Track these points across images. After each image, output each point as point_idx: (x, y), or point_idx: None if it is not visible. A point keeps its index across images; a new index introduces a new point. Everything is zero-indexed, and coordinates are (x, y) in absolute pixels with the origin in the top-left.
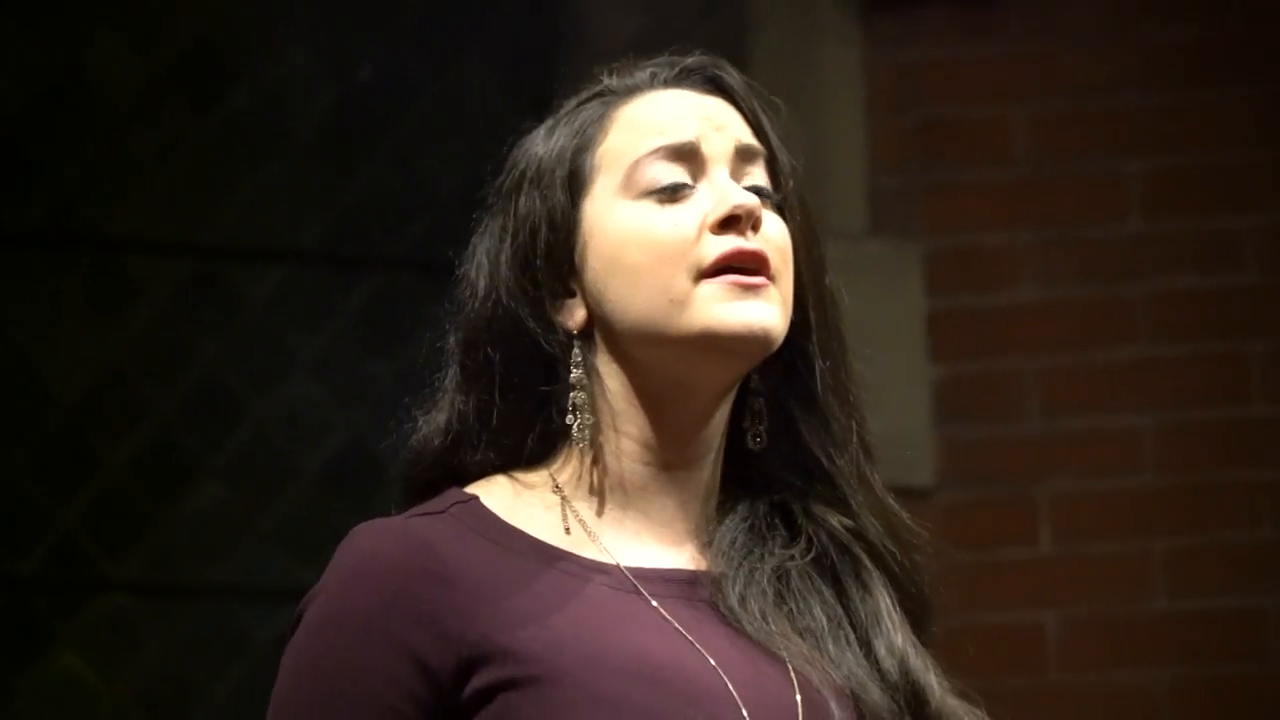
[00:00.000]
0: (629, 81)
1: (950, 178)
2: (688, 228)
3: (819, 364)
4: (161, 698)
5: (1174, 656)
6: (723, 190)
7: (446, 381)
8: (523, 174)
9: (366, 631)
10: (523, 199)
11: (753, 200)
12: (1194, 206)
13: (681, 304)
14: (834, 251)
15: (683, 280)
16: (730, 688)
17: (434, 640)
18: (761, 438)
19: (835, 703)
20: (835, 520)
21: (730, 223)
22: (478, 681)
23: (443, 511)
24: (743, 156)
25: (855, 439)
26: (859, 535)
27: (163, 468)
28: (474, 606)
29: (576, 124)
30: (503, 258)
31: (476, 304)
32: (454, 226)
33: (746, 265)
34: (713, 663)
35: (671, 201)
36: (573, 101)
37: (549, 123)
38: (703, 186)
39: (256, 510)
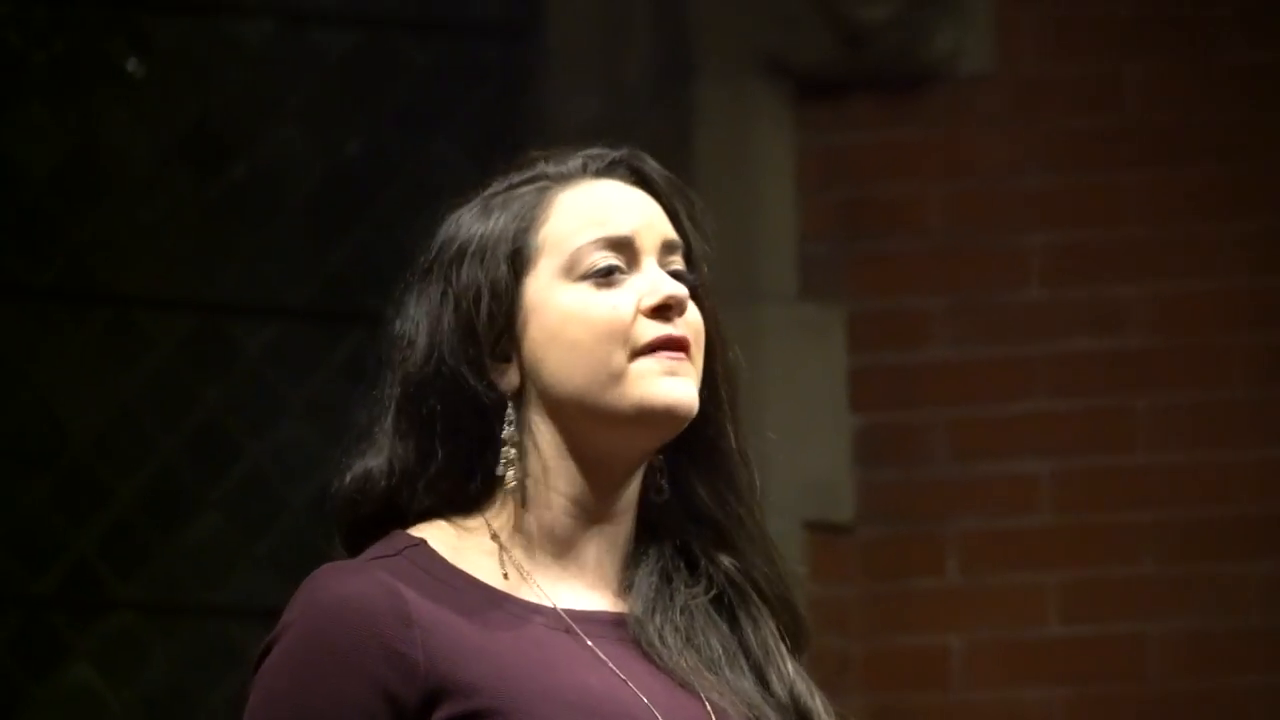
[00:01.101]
0: (564, 169)
1: (872, 248)
2: (624, 310)
3: (722, 428)
4: (164, 706)
5: (1066, 677)
6: (654, 280)
7: (384, 426)
8: (463, 247)
9: (339, 665)
10: (465, 269)
11: (682, 291)
12: (1088, 276)
13: (618, 378)
14: (767, 313)
15: (619, 357)
16: (656, 716)
17: (400, 675)
18: (664, 491)
19: None
20: (728, 562)
21: (661, 310)
22: (441, 714)
23: (396, 555)
24: (667, 248)
25: (746, 492)
26: (748, 575)
27: (167, 500)
28: (434, 643)
29: (516, 206)
30: (444, 321)
31: (418, 360)
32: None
33: (675, 347)
34: (644, 698)
35: (608, 286)
36: (503, 183)
37: (480, 201)
38: (635, 275)
39: (251, 539)
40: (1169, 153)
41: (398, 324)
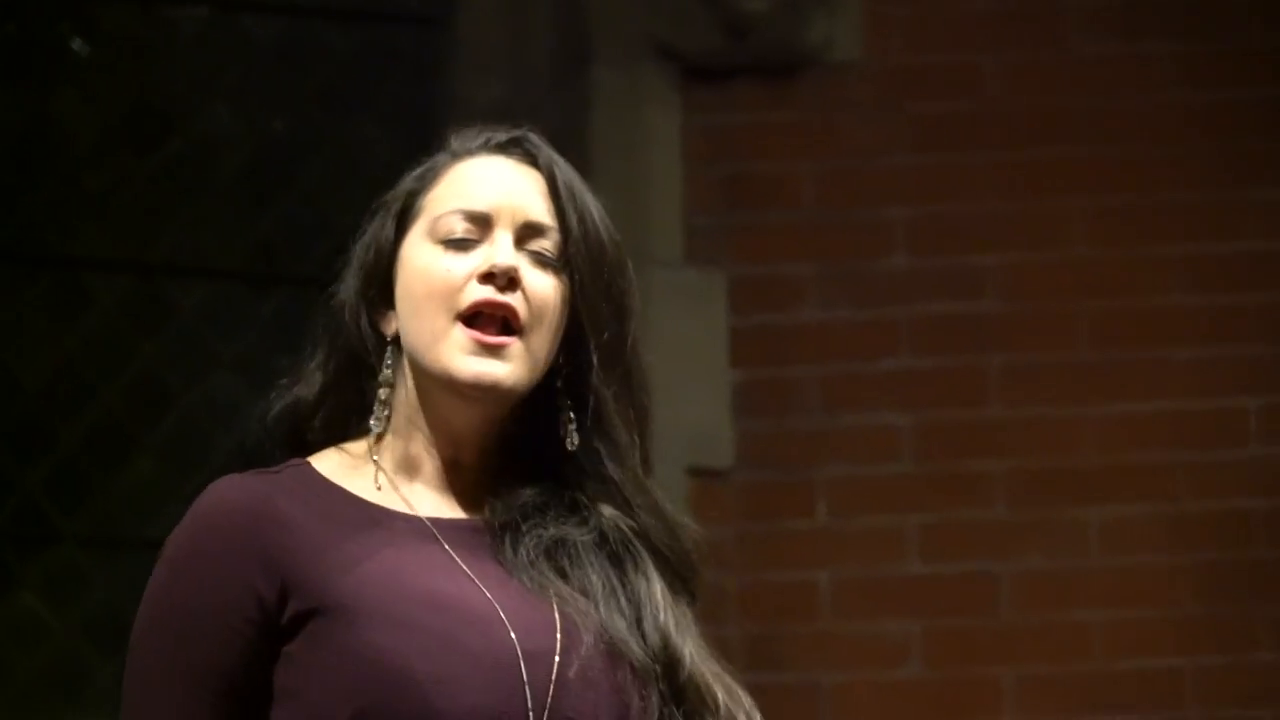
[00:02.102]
0: (467, 144)
1: (751, 219)
2: (458, 275)
3: (604, 394)
4: (103, 631)
5: (923, 610)
6: (492, 250)
7: (309, 365)
8: (383, 201)
9: (209, 562)
10: (373, 223)
11: (509, 262)
12: (946, 246)
13: (438, 340)
14: (655, 277)
15: (443, 319)
16: (501, 614)
17: (263, 572)
18: (573, 441)
19: (590, 636)
20: (611, 512)
21: (489, 277)
22: (297, 607)
23: (278, 471)
24: (530, 228)
25: (637, 454)
26: (639, 533)
27: (107, 444)
28: (299, 547)
29: (421, 170)
30: (354, 263)
31: (337, 300)
32: (349, 253)
33: (495, 314)
34: (489, 596)
35: (456, 251)
36: (436, 150)
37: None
38: (484, 246)
39: (182, 480)
40: (1021, 136)
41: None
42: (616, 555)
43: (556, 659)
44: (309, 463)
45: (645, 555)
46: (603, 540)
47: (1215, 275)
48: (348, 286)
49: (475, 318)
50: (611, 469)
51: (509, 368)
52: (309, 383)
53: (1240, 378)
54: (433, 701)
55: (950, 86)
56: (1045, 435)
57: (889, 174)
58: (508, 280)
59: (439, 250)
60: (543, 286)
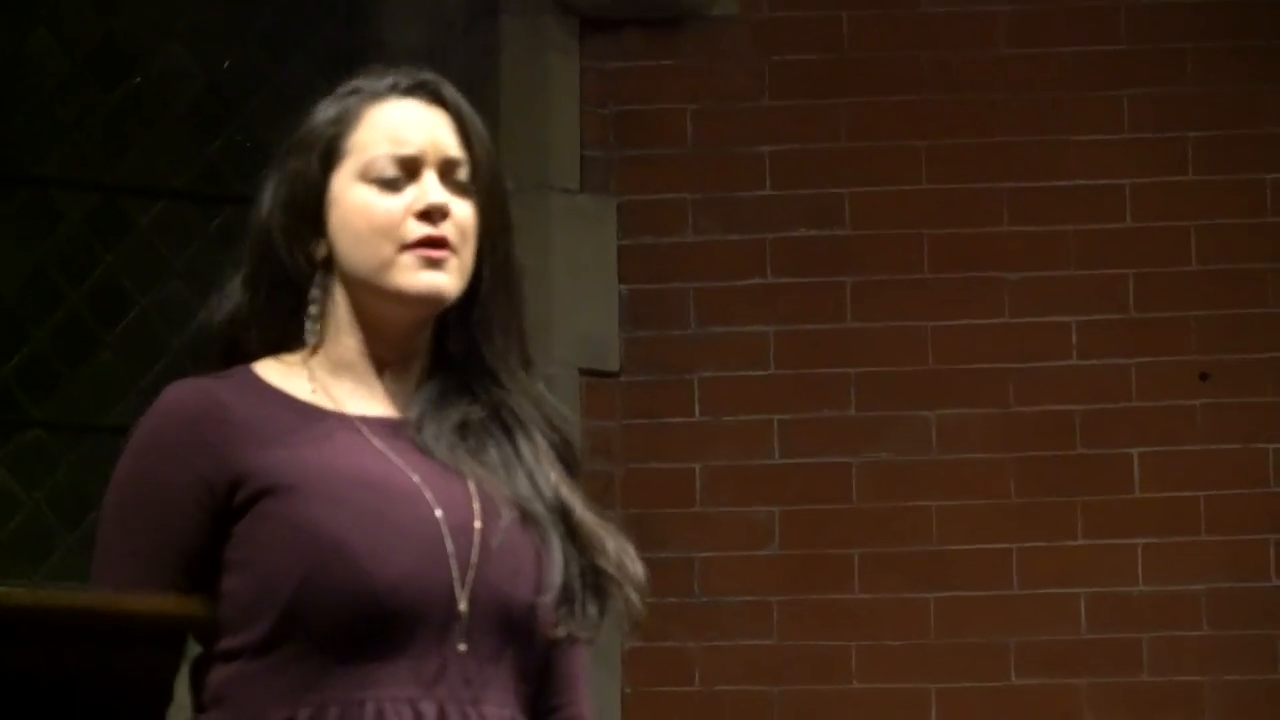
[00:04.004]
0: (377, 86)
1: (638, 153)
2: (396, 212)
3: (495, 302)
4: (66, 505)
5: (785, 497)
6: (424, 190)
7: (237, 281)
8: (299, 140)
9: (165, 455)
10: (292, 159)
11: (441, 200)
12: (807, 180)
13: (387, 265)
14: (554, 203)
15: (389, 249)
16: (425, 492)
17: (213, 462)
18: (458, 342)
19: (503, 507)
20: (502, 397)
21: (425, 214)
22: (244, 492)
23: (226, 376)
24: (448, 164)
25: (518, 348)
26: (521, 410)
27: (73, 341)
28: (243, 439)
29: (334, 112)
30: (276, 200)
31: (258, 229)
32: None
33: (434, 243)
34: (414, 478)
35: (389, 190)
36: (342, 90)
37: (324, 103)
38: (413, 185)
39: (138, 373)
40: (873, 84)
41: (256, 199)
42: (508, 428)
43: (477, 531)
44: (251, 369)
45: (532, 432)
46: (495, 416)
47: (1040, 208)
48: (272, 218)
49: (415, 248)
50: (498, 362)
51: (449, 279)
52: (241, 301)
53: (1061, 298)
54: (368, 569)
55: (813, 39)
56: (891, 345)
57: (758, 115)
58: (440, 214)
59: (374, 190)
60: (464, 212)
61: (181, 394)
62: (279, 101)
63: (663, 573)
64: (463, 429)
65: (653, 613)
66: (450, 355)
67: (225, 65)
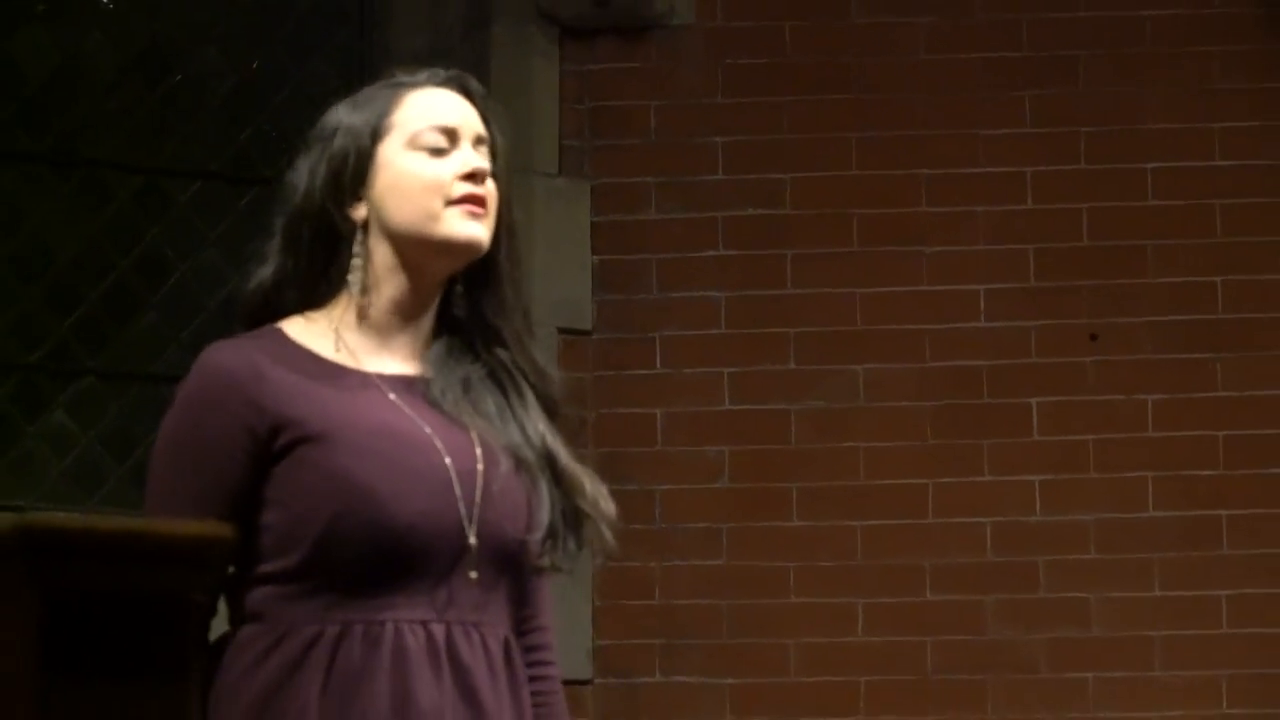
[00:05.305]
0: (415, 78)
1: (609, 142)
2: (444, 174)
3: (503, 266)
4: (116, 443)
5: (733, 438)
6: (468, 156)
7: (272, 247)
8: (338, 126)
9: (211, 409)
10: (338, 139)
11: (485, 165)
12: (754, 166)
13: (435, 218)
14: (536, 184)
15: (438, 204)
16: (436, 442)
17: (254, 413)
18: (461, 308)
19: (502, 455)
20: (502, 353)
21: (470, 176)
22: (282, 439)
23: (258, 336)
24: (478, 140)
25: (519, 312)
26: (515, 364)
27: (122, 302)
28: (278, 392)
29: (379, 100)
30: (320, 171)
31: (299, 198)
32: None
33: (476, 200)
34: (426, 430)
35: (436, 156)
36: (371, 88)
37: (350, 100)
38: (456, 152)
39: (178, 329)
40: (811, 84)
41: (288, 178)
42: (503, 383)
43: (480, 476)
44: (280, 328)
45: (524, 385)
46: (492, 372)
47: (953, 192)
48: (319, 185)
49: (460, 203)
50: (501, 321)
51: (486, 232)
52: (282, 261)
53: (971, 269)
54: (390, 510)
55: (759, 46)
56: (825, 309)
57: (712, 111)
58: (481, 177)
59: (423, 155)
60: (491, 184)
61: (221, 355)
62: (301, 97)
63: (628, 503)
64: (465, 384)
65: (619, 538)
66: (454, 319)
67: (254, 65)
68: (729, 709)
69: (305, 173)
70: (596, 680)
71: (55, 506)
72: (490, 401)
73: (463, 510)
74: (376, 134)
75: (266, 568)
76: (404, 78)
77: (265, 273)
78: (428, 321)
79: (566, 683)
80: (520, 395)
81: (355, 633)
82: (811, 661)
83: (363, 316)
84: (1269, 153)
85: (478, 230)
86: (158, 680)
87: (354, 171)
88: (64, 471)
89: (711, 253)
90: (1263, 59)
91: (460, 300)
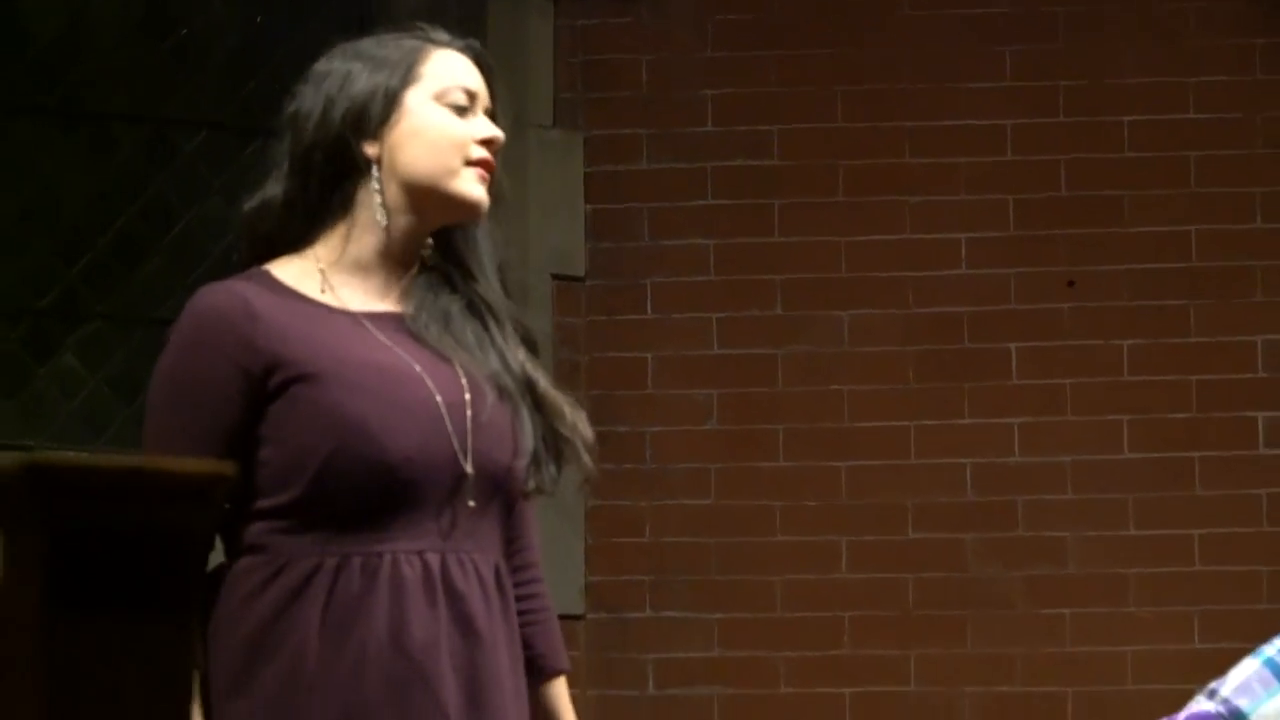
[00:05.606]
0: (438, 36)
1: (602, 94)
2: (467, 135)
3: (485, 223)
4: (124, 386)
5: (721, 382)
6: (487, 123)
7: (281, 171)
8: (363, 57)
9: (205, 348)
10: (366, 75)
11: (502, 135)
12: (742, 118)
13: (452, 174)
14: (532, 136)
15: (457, 161)
16: (425, 378)
17: (248, 353)
18: (431, 255)
19: (486, 386)
20: (479, 289)
21: (488, 143)
22: (276, 378)
23: (249, 278)
24: (490, 111)
25: (495, 263)
26: (493, 300)
27: (129, 249)
28: (271, 333)
29: (406, 46)
30: (340, 104)
31: (314, 126)
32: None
33: (488, 166)
34: (416, 367)
35: (460, 115)
36: (392, 35)
37: (374, 39)
38: (473, 117)
39: (184, 275)
40: (798, 39)
41: (297, 106)
42: (481, 316)
43: (469, 409)
44: (268, 270)
45: (502, 318)
46: (470, 305)
47: (935, 143)
48: (338, 115)
49: (475, 166)
50: (477, 264)
51: (487, 197)
52: (290, 187)
53: (953, 218)
54: (384, 445)
55: (748, 2)
56: (813, 255)
57: (702, 65)
58: (496, 147)
59: (448, 113)
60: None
61: (214, 297)
62: (301, 52)
63: (619, 444)
64: (446, 317)
65: (610, 477)
66: (443, 261)
67: (257, 20)
68: (716, 643)
69: (320, 104)
70: (588, 615)
71: (64, 446)
72: (470, 332)
73: (455, 442)
74: (405, 80)
75: (264, 503)
76: (430, 33)
77: (275, 191)
78: (411, 261)
79: (559, 617)
80: (499, 325)
81: (353, 564)
82: (797, 597)
83: (348, 257)
84: (1241, 106)
85: (482, 196)
86: (160, 612)
87: (381, 109)
88: (72, 412)
89: (701, 202)
90: (1235, 15)
91: (429, 248)
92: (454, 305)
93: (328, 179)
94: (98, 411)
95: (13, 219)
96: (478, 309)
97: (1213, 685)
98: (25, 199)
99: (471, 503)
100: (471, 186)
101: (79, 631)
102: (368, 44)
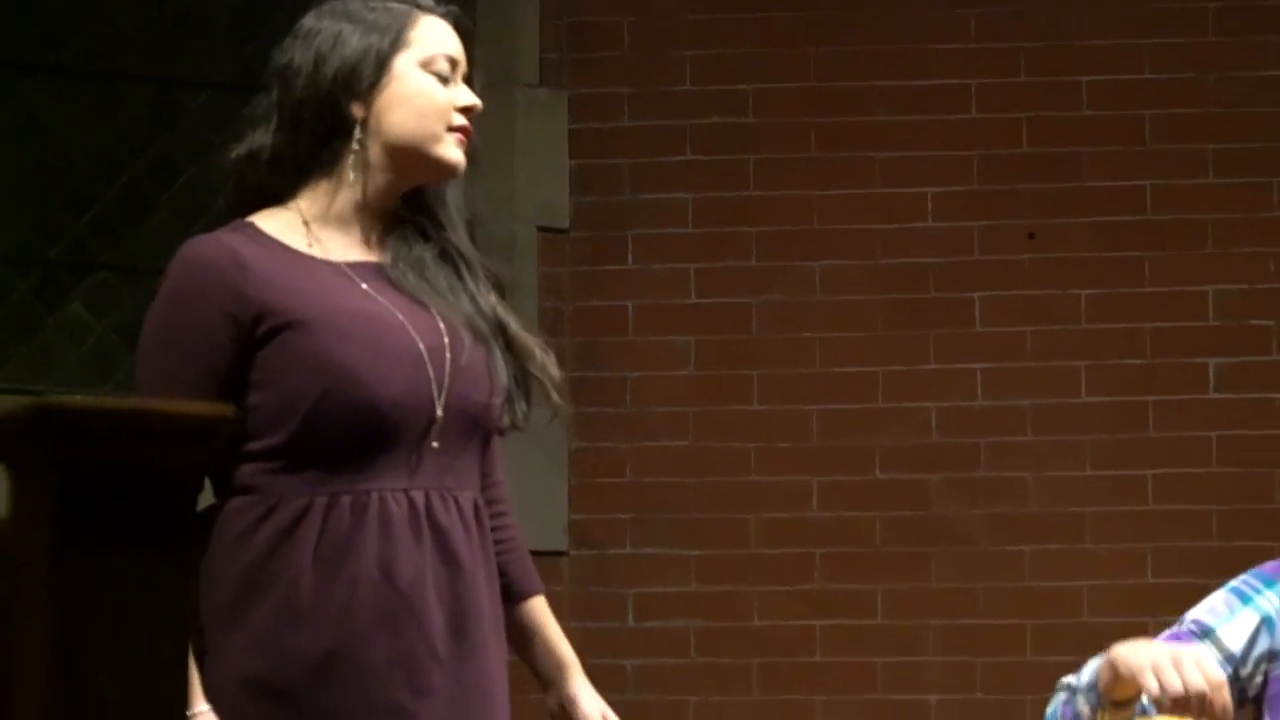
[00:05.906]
0: (424, 2)
1: (585, 55)
2: (449, 102)
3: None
4: (130, 333)
5: (699, 329)
6: (467, 92)
7: (269, 124)
8: (353, 19)
9: (194, 296)
10: (356, 36)
11: (480, 104)
12: (720, 78)
13: (435, 139)
14: (518, 94)
15: (440, 127)
16: (404, 322)
17: (238, 301)
18: (404, 211)
19: (462, 329)
20: (452, 239)
21: (467, 110)
22: (265, 325)
23: (235, 230)
24: (468, 79)
25: (460, 212)
26: (465, 249)
27: (137, 197)
28: (260, 282)
29: (395, 10)
30: (331, 62)
31: (304, 81)
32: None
33: (467, 133)
34: (399, 315)
35: (444, 83)
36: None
37: (360, 3)
38: (456, 85)
39: (188, 226)
40: (775, 2)
41: (287, 59)
42: (453, 262)
43: (448, 354)
44: (253, 223)
45: (475, 266)
46: (444, 254)
47: (904, 102)
48: (329, 73)
49: (456, 131)
50: (447, 217)
51: (464, 161)
52: (279, 141)
53: (922, 172)
54: (371, 388)
55: None
56: (786, 209)
57: (683, 26)
58: (474, 114)
59: (433, 80)
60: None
61: (201, 248)
62: (300, 14)
63: (602, 388)
64: (421, 265)
65: (592, 420)
66: (415, 215)
67: None
68: (694, 578)
69: (310, 61)
70: (571, 552)
71: (73, 391)
72: (443, 279)
73: (434, 387)
74: (395, 45)
75: (255, 445)
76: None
77: (263, 142)
78: (389, 215)
79: (543, 554)
80: (471, 271)
81: (343, 503)
82: (770, 534)
83: (332, 211)
84: (1194, 66)
85: (461, 160)
86: (161, 548)
87: (371, 71)
88: (81, 359)
89: (680, 158)
90: None
91: (401, 203)
92: (427, 254)
93: (316, 135)
94: (105, 358)
95: (24, 173)
96: (450, 256)
97: (1183, 616)
98: (37, 153)
99: (435, 443)
100: (452, 151)
101: (84, 566)
102: (356, 4)
